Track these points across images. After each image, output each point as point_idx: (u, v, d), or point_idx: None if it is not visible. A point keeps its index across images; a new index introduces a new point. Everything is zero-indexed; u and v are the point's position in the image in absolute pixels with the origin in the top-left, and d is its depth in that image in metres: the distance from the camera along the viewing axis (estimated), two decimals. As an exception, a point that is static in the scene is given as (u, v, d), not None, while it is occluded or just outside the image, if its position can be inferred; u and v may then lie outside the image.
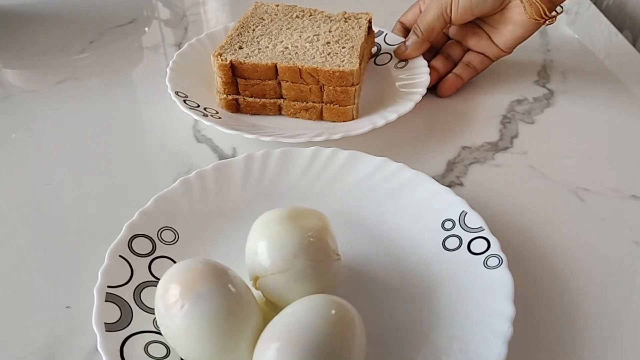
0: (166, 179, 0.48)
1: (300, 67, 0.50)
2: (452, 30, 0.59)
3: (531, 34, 0.54)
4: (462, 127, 0.54)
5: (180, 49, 0.61)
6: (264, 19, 0.58)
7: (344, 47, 0.53)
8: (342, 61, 0.50)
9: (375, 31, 0.60)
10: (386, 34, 0.61)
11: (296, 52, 0.52)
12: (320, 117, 0.52)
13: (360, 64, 0.51)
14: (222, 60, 0.51)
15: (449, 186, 0.47)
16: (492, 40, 0.56)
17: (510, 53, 0.57)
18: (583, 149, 0.52)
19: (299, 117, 0.53)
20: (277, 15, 0.58)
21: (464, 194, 0.46)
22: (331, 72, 0.49)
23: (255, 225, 0.36)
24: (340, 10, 0.58)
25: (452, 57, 0.59)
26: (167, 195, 0.42)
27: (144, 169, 0.50)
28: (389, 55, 0.59)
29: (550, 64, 0.63)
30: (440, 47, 0.60)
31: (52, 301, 0.39)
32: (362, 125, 0.49)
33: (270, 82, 0.51)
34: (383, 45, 0.60)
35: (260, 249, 0.35)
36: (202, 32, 0.62)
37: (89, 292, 0.35)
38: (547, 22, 0.51)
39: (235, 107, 0.53)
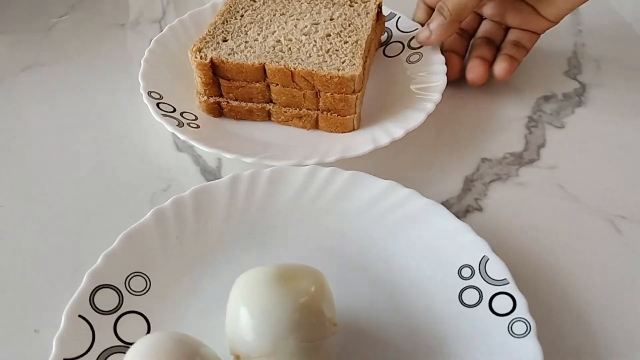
0: (141, 199, 0.42)
1: (292, 69, 0.42)
2: (487, 9, 0.51)
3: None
4: (480, 132, 0.47)
5: (160, 26, 0.53)
6: (255, 1, 0.49)
7: (346, 42, 0.45)
8: (343, 62, 0.43)
9: (387, 14, 0.52)
10: (399, 17, 0.53)
11: (289, 48, 0.44)
12: (316, 126, 0.45)
13: (364, 64, 0.44)
14: (200, 57, 0.43)
15: (467, 211, 0.41)
16: (539, 13, 0.47)
17: (557, 23, 0.49)
18: (620, 162, 0.45)
19: (290, 125, 0.46)
20: (270, -6, 0.50)
21: (484, 223, 0.40)
22: (328, 77, 0.41)
23: (238, 286, 0.31)
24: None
25: (494, 40, 0.50)
26: (137, 232, 0.36)
27: (116, 185, 0.44)
28: (401, 45, 0.51)
29: (581, 49, 0.56)
30: (473, 30, 0.52)
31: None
32: (362, 144, 0.42)
33: (257, 84, 0.44)
34: (395, 31, 0.52)
35: (242, 319, 0.29)
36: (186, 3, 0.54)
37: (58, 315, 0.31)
38: None
39: (217, 112, 0.46)
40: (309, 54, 0.44)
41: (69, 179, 0.44)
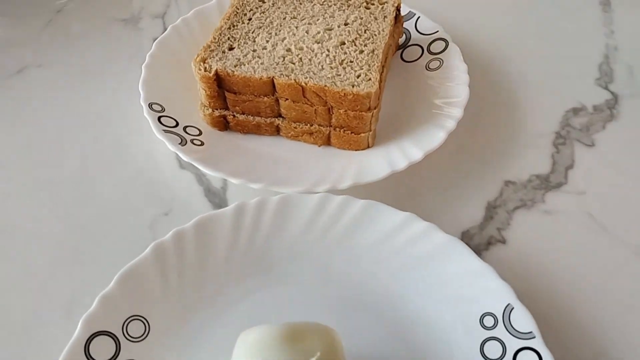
0: (139, 225, 0.40)
1: (303, 83, 0.39)
2: None
3: None
4: (503, 150, 0.44)
5: (163, 22, 0.49)
6: (263, 2, 0.46)
7: (362, 51, 0.41)
8: (358, 76, 0.39)
9: (405, 13, 0.48)
10: (418, 17, 0.49)
11: (300, 58, 0.41)
12: (328, 143, 0.42)
13: (381, 75, 0.40)
14: (205, 69, 0.40)
15: (489, 243, 0.39)
16: None
17: None
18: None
19: (301, 141, 0.43)
20: (280, -6, 0.46)
21: (507, 258, 0.37)
22: (342, 94, 0.38)
23: (241, 346, 0.28)
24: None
25: None
26: (135, 271, 0.34)
27: (112, 208, 0.41)
28: (420, 49, 0.47)
29: (614, 53, 0.51)
30: None
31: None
32: (377, 165, 0.39)
33: (265, 98, 0.41)
34: (413, 33, 0.48)
35: (246, 382, 0.27)
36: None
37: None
38: None
39: (223, 125, 0.43)
40: (322, 66, 0.40)
41: (66, 192, 0.42)
